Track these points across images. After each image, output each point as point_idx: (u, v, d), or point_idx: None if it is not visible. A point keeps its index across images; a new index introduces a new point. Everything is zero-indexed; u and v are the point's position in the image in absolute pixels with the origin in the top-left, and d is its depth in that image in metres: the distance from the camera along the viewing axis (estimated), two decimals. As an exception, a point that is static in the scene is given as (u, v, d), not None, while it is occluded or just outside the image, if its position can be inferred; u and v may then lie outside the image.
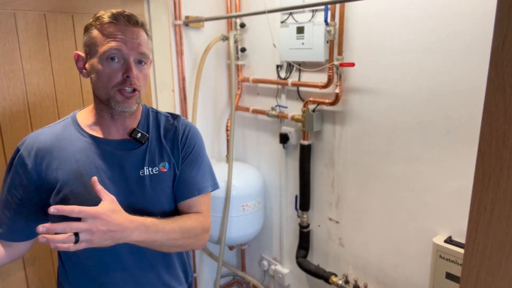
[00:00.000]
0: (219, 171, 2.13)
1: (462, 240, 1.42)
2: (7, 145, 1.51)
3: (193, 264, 2.36)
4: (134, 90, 0.95)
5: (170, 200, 1.06)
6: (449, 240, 1.45)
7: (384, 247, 1.70)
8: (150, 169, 1.02)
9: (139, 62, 0.96)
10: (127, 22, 0.94)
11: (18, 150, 1.00)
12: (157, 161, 1.04)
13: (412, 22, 1.43)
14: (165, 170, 1.04)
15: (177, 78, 2.09)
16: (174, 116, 1.13)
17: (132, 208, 0.95)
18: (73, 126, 1.02)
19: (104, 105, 0.98)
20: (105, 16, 0.93)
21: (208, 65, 2.18)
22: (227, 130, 2.23)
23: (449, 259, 1.42)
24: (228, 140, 2.15)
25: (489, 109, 0.50)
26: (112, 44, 0.92)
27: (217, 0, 2.16)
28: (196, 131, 1.13)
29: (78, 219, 0.80)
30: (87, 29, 0.96)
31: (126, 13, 0.95)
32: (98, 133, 1.01)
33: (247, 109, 2.21)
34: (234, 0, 2.15)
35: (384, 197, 1.66)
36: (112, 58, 0.92)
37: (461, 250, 1.39)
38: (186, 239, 1.01)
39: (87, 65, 0.97)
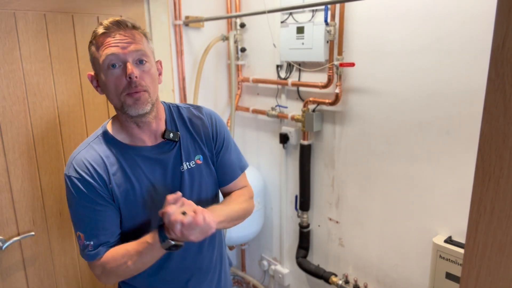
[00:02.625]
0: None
1: (462, 240, 1.42)
2: (7, 145, 1.51)
3: (193, 264, 2.36)
4: (144, 91, 0.96)
5: (212, 187, 1.16)
6: (449, 240, 1.45)
7: (384, 247, 1.70)
8: (187, 163, 1.09)
9: (140, 62, 0.96)
10: (117, 28, 0.95)
11: (74, 176, 0.99)
12: (192, 155, 1.10)
13: (412, 22, 1.43)
14: (200, 162, 1.11)
15: (177, 78, 2.09)
16: (195, 107, 1.17)
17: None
18: (110, 141, 1.03)
19: (123, 115, 1.00)
20: (99, 29, 0.96)
21: (208, 65, 2.18)
22: (227, 130, 2.24)
23: (449, 259, 1.42)
24: (228, 140, 2.15)
25: (489, 109, 0.50)
26: (107, 51, 0.93)
27: (217, 0, 2.16)
28: (220, 119, 1.20)
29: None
30: (88, 48, 0.99)
31: (117, 19, 0.97)
32: (135, 143, 1.04)
33: (247, 109, 2.21)
34: (234, 0, 2.15)
35: (384, 197, 1.66)
36: (113, 65, 0.94)
37: (461, 250, 1.39)
38: (244, 212, 1.17)
39: (98, 83, 1.01)
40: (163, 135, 1.06)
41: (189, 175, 1.09)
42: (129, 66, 0.94)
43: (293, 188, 2.08)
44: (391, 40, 1.51)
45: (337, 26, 1.65)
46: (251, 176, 2.16)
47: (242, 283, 2.58)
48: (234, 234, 2.10)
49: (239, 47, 2.17)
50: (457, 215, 1.43)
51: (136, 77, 0.94)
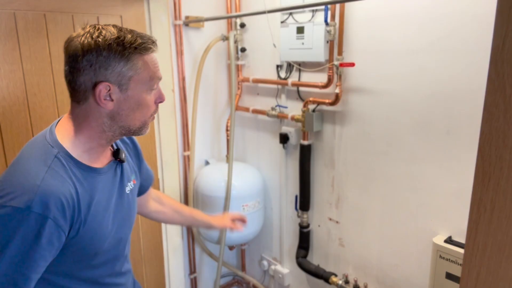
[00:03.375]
0: (219, 170, 2.13)
1: (462, 240, 1.42)
2: (7, 145, 1.51)
3: (193, 264, 2.36)
4: None
5: (136, 207, 1.15)
6: (449, 240, 1.45)
7: (384, 247, 1.70)
8: (129, 184, 1.06)
9: None
10: (156, 49, 0.93)
11: (52, 217, 0.80)
12: (130, 175, 1.08)
13: (412, 22, 1.43)
14: (135, 182, 1.10)
15: (177, 78, 2.09)
16: None
17: (125, 222, 1.04)
18: (72, 163, 0.88)
19: (118, 135, 0.93)
20: (150, 44, 0.89)
21: (208, 65, 2.18)
22: (227, 130, 2.24)
23: (449, 259, 1.42)
24: (228, 140, 2.15)
25: (489, 109, 0.50)
26: (158, 74, 0.91)
27: (217, 0, 2.16)
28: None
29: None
30: (126, 57, 0.85)
31: (152, 38, 0.92)
32: (94, 164, 0.93)
33: (247, 109, 2.21)
34: (234, 0, 2.15)
35: (384, 197, 1.66)
36: (155, 88, 0.93)
37: (461, 250, 1.39)
38: None
39: (116, 96, 0.87)
40: (114, 154, 0.99)
41: (131, 195, 1.07)
42: (162, 92, 0.95)
43: (293, 188, 2.08)
44: (391, 40, 1.51)
45: (337, 26, 1.65)
46: (251, 176, 2.17)
47: (242, 283, 2.58)
48: (234, 234, 2.10)
49: (239, 47, 2.17)
50: (457, 215, 1.43)
51: None
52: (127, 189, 1.04)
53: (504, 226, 0.52)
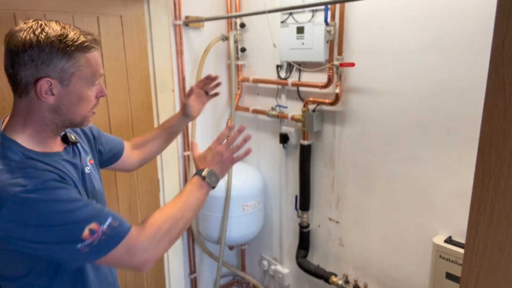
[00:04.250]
0: (219, 171, 2.13)
1: (462, 240, 1.42)
2: (7, 145, 1.51)
3: (193, 264, 2.36)
4: None
5: (101, 187, 1.17)
6: (449, 240, 1.45)
7: (384, 247, 1.70)
8: (88, 164, 1.08)
9: None
10: (99, 47, 0.95)
11: (49, 179, 0.86)
12: (85, 156, 1.09)
13: (412, 22, 1.43)
14: (92, 162, 1.12)
15: (177, 78, 2.09)
16: None
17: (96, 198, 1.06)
18: (30, 155, 0.89)
19: (62, 126, 0.95)
20: (92, 43, 0.91)
21: (208, 65, 2.18)
22: (227, 130, 2.23)
23: (449, 259, 1.42)
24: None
25: (489, 109, 0.50)
26: (100, 70, 0.94)
27: (217, 0, 2.16)
28: None
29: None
30: (69, 54, 0.87)
31: (95, 37, 0.94)
32: (51, 150, 0.96)
33: (247, 109, 2.21)
34: (234, 0, 2.15)
35: (384, 197, 1.66)
36: (97, 83, 0.95)
37: (461, 250, 1.39)
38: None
39: (57, 91, 0.88)
40: (64, 140, 1.02)
41: (92, 175, 1.09)
42: (103, 87, 0.97)
43: (293, 188, 2.08)
44: (391, 40, 1.51)
45: (337, 26, 1.65)
46: (251, 176, 2.17)
47: (242, 283, 2.58)
48: (234, 234, 2.10)
49: (239, 47, 2.17)
50: (457, 215, 1.43)
51: None
52: (87, 169, 1.07)
53: (504, 226, 0.52)
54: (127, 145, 1.35)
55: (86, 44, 0.89)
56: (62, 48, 0.86)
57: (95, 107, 0.98)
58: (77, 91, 0.91)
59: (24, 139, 0.91)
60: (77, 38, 0.88)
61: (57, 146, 0.99)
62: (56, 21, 0.89)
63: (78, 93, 0.91)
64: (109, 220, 0.87)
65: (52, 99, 0.89)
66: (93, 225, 0.85)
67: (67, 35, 0.87)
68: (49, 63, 0.86)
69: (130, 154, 1.34)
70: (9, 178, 0.81)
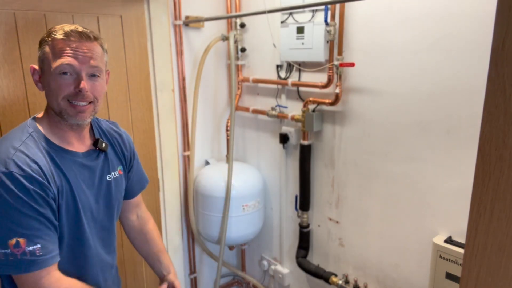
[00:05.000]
0: (219, 170, 2.13)
1: (462, 240, 1.42)
2: (7, 145, 1.51)
3: (193, 264, 2.36)
4: (89, 103, 1.00)
5: (122, 197, 1.24)
6: (449, 240, 1.45)
7: (384, 247, 1.70)
8: (113, 173, 1.15)
9: (92, 75, 0.99)
10: (79, 38, 0.96)
11: (17, 172, 0.90)
12: (116, 165, 1.17)
13: (412, 22, 1.43)
14: (122, 173, 1.20)
15: (177, 78, 2.09)
16: (112, 122, 1.25)
17: (103, 208, 1.12)
18: (44, 141, 0.99)
19: (59, 118, 1.00)
20: (58, 32, 0.96)
21: (208, 65, 2.18)
22: (227, 130, 2.23)
23: (449, 259, 1.42)
24: (228, 140, 2.15)
25: (489, 109, 0.50)
26: (63, 60, 0.94)
27: (217, 0, 2.16)
28: (130, 137, 1.30)
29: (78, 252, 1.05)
30: (40, 44, 0.99)
31: (79, 29, 0.97)
32: (67, 146, 1.03)
33: (247, 109, 2.21)
34: (234, 0, 2.15)
35: (384, 197, 1.66)
36: (65, 73, 0.95)
37: (461, 250, 1.39)
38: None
39: (41, 79, 1.00)
40: (94, 144, 1.10)
41: (115, 184, 1.15)
42: (83, 81, 0.96)
43: (293, 188, 2.08)
44: (391, 40, 1.51)
45: (337, 26, 1.65)
46: (251, 176, 2.17)
47: (242, 283, 2.58)
48: (234, 234, 2.10)
49: (239, 47, 2.17)
50: (457, 215, 1.43)
51: (86, 91, 0.97)
52: (109, 176, 1.13)
53: (504, 226, 0.52)
54: (139, 201, 1.35)
55: (51, 32, 0.97)
56: (42, 39, 0.99)
57: (75, 100, 0.97)
58: (47, 77, 0.97)
59: (44, 127, 1.01)
60: (50, 31, 0.97)
61: (80, 146, 1.07)
62: (71, 24, 1.00)
63: (47, 79, 0.97)
64: (36, 246, 0.88)
65: (40, 86, 1.01)
66: (22, 240, 0.87)
67: (50, 30, 0.98)
68: (39, 53, 1.00)
69: (131, 208, 1.33)
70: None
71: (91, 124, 1.14)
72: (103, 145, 1.11)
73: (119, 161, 1.19)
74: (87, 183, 1.06)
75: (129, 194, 1.29)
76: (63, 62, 0.94)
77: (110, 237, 1.19)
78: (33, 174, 0.90)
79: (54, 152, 0.99)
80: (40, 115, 1.04)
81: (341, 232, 1.88)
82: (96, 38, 1.00)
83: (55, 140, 1.01)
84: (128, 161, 1.24)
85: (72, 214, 1.02)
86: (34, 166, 0.92)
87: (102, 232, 1.14)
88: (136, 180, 1.30)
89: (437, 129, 1.43)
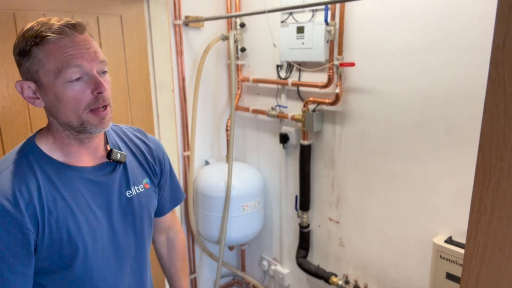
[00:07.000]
0: (219, 170, 2.13)
1: (463, 240, 1.42)
2: (6, 145, 1.51)
3: (193, 264, 2.36)
4: (108, 106, 0.85)
5: (151, 214, 1.05)
6: (449, 240, 1.44)
7: (384, 247, 1.70)
8: (136, 187, 0.98)
9: (103, 72, 0.85)
10: (74, 32, 0.80)
11: None
12: (140, 178, 1.00)
13: (412, 22, 1.43)
14: (149, 186, 1.02)
15: (177, 78, 2.09)
16: (137, 130, 1.09)
17: (122, 229, 0.95)
18: (43, 160, 0.85)
19: (72, 132, 0.85)
20: (47, 32, 0.78)
21: (208, 65, 2.18)
22: (227, 130, 2.23)
23: (450, 259, 1.41)
24: (228, 141, 2.15)
25: (489, 109, 0.50)
26: (72, 63, 0.78)
27: (217, 0, 2.16)
28: (163, 148, 1.12)
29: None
30: (27, 52, 0.80)
31: (70, 21, 0.81)
32: (72, 162, 0.88)
33: (247, 109, 2.21)
34: (234, 0, 2.15)
35: (384, 197, 1.66)
36: (77, 79, 0.80)
37: (462, 250, 1.39)
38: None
39: (39, 94, 0.83)
40: (108, 155, 0.93)
41: (138, 200, 0.98)
42: (100, 81, 0.82)
43: (293, 188, 2.08)
44: (392, 40, 1.51)
45: (337, 26, 1.65)
46: (251, 176, 2.16)
47: (242, 283, 2.58)
48: (234, 234, 2.10)
49: (239, 47, 2.17)
50: (457, 215, 1.43)
51: (106, 90, 0.83)
52: (128, 193, 0.96)
53: (504, 226, 0.52)
54: (172, 227, 1.20)
55: (39, 36, 0.78)
56: (22, 46, 0.80)
57: (97, 107, 0.83)
58: (52, 90, 0.80)
59: (45, 144, 0.87)
60: (34, 32, 0.78)
61: (90, 160, 0.91)
62: (50, 17, 0.82)
63: (53, 92, 0.80)
64: None
65: (39, 103, 0.84)
66: None
67: (26, 32, 0.80)
68: (20, 65, 0.82)
69: (160, 229, 1.18)
70: None
71: (104, 132, 0.97)
72: (118, 155, 0.94)
73: (144, 173, 1.02)
74: (99, 202, 0.90)
75: (157, 212, 1.11)
76: (71, 65, 0.78)
77: (139, 266, 1.01)
78: (11, 209, 0.77)
79: (56, 171, 0.85)
80: (42, 129, 0.91)
81: (341, 232, 1.88)
82: (87, 26, 0.84)
83: (59, 157, 0.87)
84: (156, 173, 1.06)
85: (77, 252, 0.86)
86: (17, 196, 0.79)
87: (125, 260, 0.97)
88: (168, 197, 1.12)
89: (437, 129, 1.43)
